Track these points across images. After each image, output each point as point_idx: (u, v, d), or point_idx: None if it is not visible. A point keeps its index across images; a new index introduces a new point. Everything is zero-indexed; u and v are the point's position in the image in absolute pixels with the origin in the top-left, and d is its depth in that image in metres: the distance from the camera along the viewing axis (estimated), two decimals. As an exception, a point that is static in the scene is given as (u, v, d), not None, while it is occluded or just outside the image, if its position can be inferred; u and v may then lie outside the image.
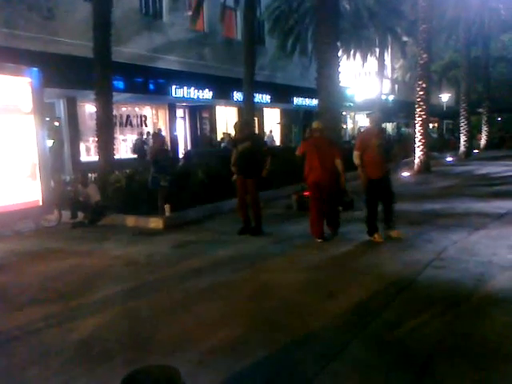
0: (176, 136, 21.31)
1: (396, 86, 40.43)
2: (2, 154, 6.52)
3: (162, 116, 21.47)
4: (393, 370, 3.34)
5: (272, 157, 7.69)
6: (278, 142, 27.35)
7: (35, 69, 7.06)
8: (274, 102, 25.32)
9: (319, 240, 7.09)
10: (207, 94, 21.06)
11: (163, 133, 18.67)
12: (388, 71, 37.79)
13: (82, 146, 17.69)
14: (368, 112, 35.33)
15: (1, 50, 11.89)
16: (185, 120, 23.06)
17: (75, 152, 16.91)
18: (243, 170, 7.55)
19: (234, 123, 8.24)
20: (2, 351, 3.86)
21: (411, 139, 18.70)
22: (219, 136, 23.39)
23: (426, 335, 3.84)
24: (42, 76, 7.13)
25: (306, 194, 9.86)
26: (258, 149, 7.54)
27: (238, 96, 21.50)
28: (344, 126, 33.31)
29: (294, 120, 29.11)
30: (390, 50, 34.22)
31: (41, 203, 7.05)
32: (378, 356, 3.52)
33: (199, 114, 23.42)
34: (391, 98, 34.87)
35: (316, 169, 7.14)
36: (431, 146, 18.94)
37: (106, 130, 11.81)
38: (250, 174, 7.53)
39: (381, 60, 27.12)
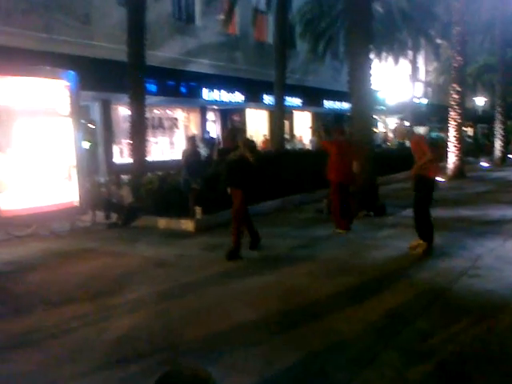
0: (211, 138, 21.36)
1: (429, 89, 39.76)
2: (41, 155, 6.70)
3: (194, 119, 21.67)
4: (426, 380, 3.29)
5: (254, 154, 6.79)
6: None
7: (72, 72, 7.22)
8: (305, 105, 25.26)
9: (344, 231, 7.89)
10: (238, 97, 21.17)
11: (213, 135, 18.80)
12: (421, 74, 37.21)
13: (116, 149, 18.00)
14: (400, 115, 34.90)
15: (39, 54, 12.23)
16: (216, 123, 23.21)
17: (109, 154, 17.24)
18: (230, 179, 6.82)
19: (224, 132, 7.92)
20: (39, 348, 3.96)
21: (444, 143, 18.37)
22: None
23: (460, 346, 3.76)
24: (78, 79, 7.30)
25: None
26: (247, 158, 6.72)
27: (268, 99, 21.54)
28: (375, 130, 32.93)
29: (324, 123, 28.94)
30: (423, 52, 33.68)
31: (76, 204, 7.20)
32: (411, 365, 3.47)
33: (230, 117, 23.55)
34: (424, 101, 34.31)
35: (341, 169, 7.95)
36: (465, 151, 18.55)
37: (139, 132, 11.99)
38: (236, 183, 6.74)
39: (414, 63, 26.78)
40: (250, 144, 6.90)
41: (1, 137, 6.21)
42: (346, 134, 8.84)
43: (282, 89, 16.85)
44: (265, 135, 24.34)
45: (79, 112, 7.48)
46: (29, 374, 3.52)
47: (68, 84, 7.07)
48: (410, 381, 3.28)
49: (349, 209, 8.27)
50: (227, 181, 6.89)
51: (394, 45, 23.80)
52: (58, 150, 6.95)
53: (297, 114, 27.24)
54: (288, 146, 23.44)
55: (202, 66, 19.41)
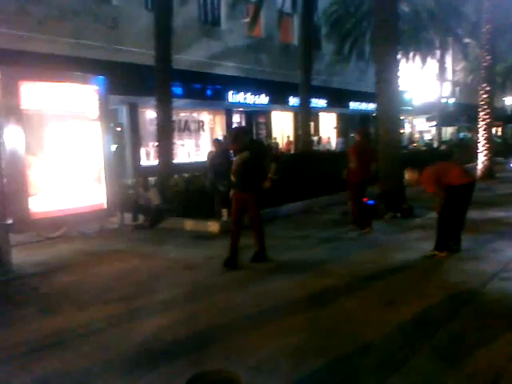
0: None
1: (457, 89, 39.11)
2: (71, 159, 6.84)
3: (219, 121, 21.81)
4: (458, 384, 3.23)
5: (277, 163, 6.68)
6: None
7: (101, 77, 7.36)
8: (330, 106, 25.16)
9: (367, 230, 8.04)
10: (263, 100, 21.23)
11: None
12: (449, 73, 36.62)
13: (143, 151, 18.24)
14: (427, 116, 34.41)
15: (69, 59, 12.49)
16: (241, 125, 23.30)
17: (136, 156, 17.48)
18: (241, 182, 6.41)
19: (229, 131, 7.42)
20: (67, 348, 4.03)
21: (473, 144, 18.03)
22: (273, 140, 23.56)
23: (493, 351, 3.68)
24: (107, 84, 7.43)
25: (364, 199, 9.75)
26: (259, 159, 6.45)
27: (294, 101, 21.54)
28: (402, 131, 32.56)
29: (350, 125, 28.77)
30: (450, 51, 33.16)
31: (105, 206, 7.32)
32: (442, 371, 3.41)
33: (255, 119, 23.62)
34: (452, 101, 33.76)
35: (357, 171, 8.09)
36: (495, 151, 18.16)
37: (165, 135, 12.13)
38: (248, 187, 6.35)
39: (441, 62, 26.38)
40: (272, 153, 6.85)
41: (33, 140, 6.37)
42: (366, 135, 8.88)
43: (308, 90, 16.82)
44: (288, 137, 24.45)
45: (108, 116, 7.60)
46: (59, 372, 3.59)
47: (97, 88, 7.20)
48: (440, 386, 3.23)
49: (367, 208, 8.48)
50: (237, 183, 6.45)
51: (421, 44, 23.48)
52: (88, 153, 7.09)
53: (322, 116, 27.15)
54: (316, 148, 23.62)
55: (227, 68, 19.53)
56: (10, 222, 6.26)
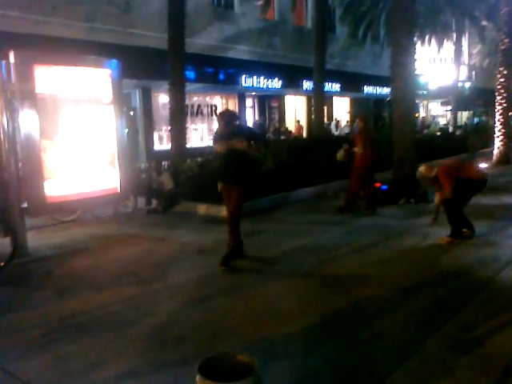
0: (260, 125, 21.22)
1: (473, 73, 38.48)
2: (86, 143, 6.86)
3: (232, 105, 21.73)
4: (471, 372, 3.22)
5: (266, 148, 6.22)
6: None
7: (115, 60, 7.33)
8: (344, 90, 24.92)
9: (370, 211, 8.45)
10: (276, 84, 21.07)
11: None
12: (465, 57, 36.01)
13: (155, 135, 18.28)
14: (442, 100, 33.95)
15: (82, 43, 12.48)
16: (254, 109, 23.20)
17: (149, 141, 17.52)
18: (225, 174, 5.86)
19: (218, 113, 6.42)
20: (83, 330, 4.09)
21: (489, 128, 17.77)
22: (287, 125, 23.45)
23: (505, 338, 3.66)
24: (120, 67, 7.41)
25: (378, 185, 9.69)
26: (245, 148, 5.68)
27: (307, 85, 21.37)
28: (417, 115, 32.20)
29: (363, 109, 28.51)
30: (467, 34, 32.55)
31: (119, 190, 7.35)
32: (455, 357, 3.41)
33: (268, 103, 23.49)
34: (468, 85, 33.25)
35: (369, 155, 8.32)
36: (511, 136, 17.89)
37: (178, 119, 12.12)
38: (234, 179, 5.77)
39: (458, 45, 25.92)
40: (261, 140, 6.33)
41: (47, 125, 6.38)
42: (368, 121, 9.20)
43: (321, 74, 16.66)
44: (298, 121, 24.20)
45: (121, 100, 7.59)
46: (75, 354, 3.65)
47: (111, 72, 7.19)
48: (453, 372, 3.22)
49: (369, 192, 8.72)
50: (222, 177, 5.91)
51: (437, 27, 23.07)
52: (102, 138, 7.10)
53: (336, 100, 26.93)
54: (335, 132, 23.46)
55: (240, 52, 19.40)
56: (25, 205, 6.33)
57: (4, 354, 3.70)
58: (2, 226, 6.14)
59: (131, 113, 17.08)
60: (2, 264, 5.76)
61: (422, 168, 6.65)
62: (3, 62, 6.11)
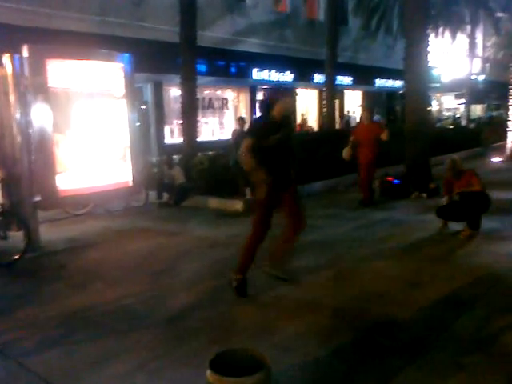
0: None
1: (487, 66, 37.96)
2: (98, 137, 6.89)
3: (243, 99, 21.68)
4: (485, 369, 3.19)
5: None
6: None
7: (127, 54, 7.33)
8: (356, 83, 24.74)
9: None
10: (288, 77, 20.99)
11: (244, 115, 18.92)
12: (479, 49, 35.52)
13: (167, 129, 18.30)
14: (456, 93, 33.57)
15: (94, 36, 12.51)
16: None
17: (160, 134, 17.55)
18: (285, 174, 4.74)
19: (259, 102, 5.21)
20: (96, 324, 4.12)
21: (503, 122, 17.55)
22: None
23: (520, 334, 3.63)
24: (132, 61, 7.41)
25: (390, 179, 9.64)
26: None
27: (319, 78, 21.25)
28: (429, 108, 31.90)
29: (375, 102, 28.30)
30: (481, 26, 32.09)
31: (131, 184, 7.38)
32: (468, 353, 3.37)
33: (279, 96, 23.36)
34: (482, 78, 32.82)
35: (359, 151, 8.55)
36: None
37: (190, 113, 12.12)
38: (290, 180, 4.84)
39: (472, 37, 25.59)
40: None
41: (60, 119, 6.41)
42: (369, 113, 9.51)
43: (333, 67, 16.57)
44: (303, 114, 23.89)
45: (133, 94, 7.60)
46: (85, 348, 3.68)
47: (123, 66, 7.19)
48: (466, 369, 3.20)
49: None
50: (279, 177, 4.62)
51: (451, 18, 22.77)
52: (114, 131, 7.12)
53: (347, 93, 26.73)
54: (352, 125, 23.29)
55: (251, 45, 19.31)
56: (37, 199, 6.37)
57: (18, 347, 3.73)
58: (15, 220, 6.20)
59: (143, 107, 17.11)
60: (15, 257, 5.83)
61: (457, 158, 6.65)
62: (17, 56, 6.14)
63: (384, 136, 8.39)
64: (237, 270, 4.60)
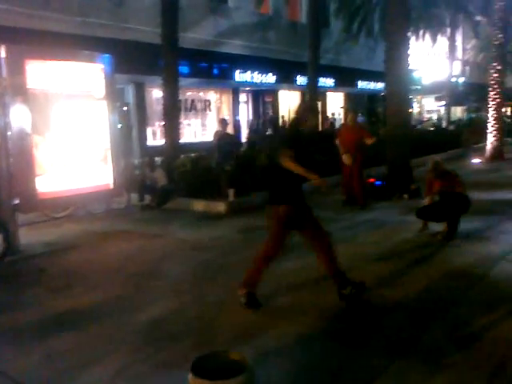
0: (239, 121, 21.52)
1: (467, 68, 38.54)
2: (78, 138, 6.80)
3: (226, 100, 21.67)
4: (465, 368, 3.22)
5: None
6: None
7: (107, 55, 7.25)
8: (338, 85, 24.90)
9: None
10: (270, 79, 21.02)
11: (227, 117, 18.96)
12: (459, 52, 36.05)
13: (149, 131, 18.19)
14: (436, 95, 34.00)
15: (75, 37, 12.38)
16: (248, 104, 23.14)
17: (142, 136, 17.44)
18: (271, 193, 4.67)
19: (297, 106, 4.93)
20: (76, 328, 4.05)
21: (482, 124, 17.83)
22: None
23: (499, 334, 3.66)
24: (113, 62, 7.34)
25: (372, 180, 9.71)
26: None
27: (301, 80, 21.32)
28: (410, 110, 32.24)
29: (357, 104, 28.50)
30: (461, 29, 32.58)
31: (112, 186, 7.30)
32: (449, 353, 3.41)
33: (262, 98, 23.43)
34: (461, 80, 33.29)
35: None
36: (505, 132, 17.95)
37: (172, 114, 12.07)
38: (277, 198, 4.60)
39: (451, 40, 25.95)
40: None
41: (39, 120, 6.31)
42: (355, 115, 9.52)
43: (316, 69, 16.64)
44: (283, 116, 23.89)
45: (114, 95, 7.53)
46: (65, 353, 3.61)
47: (103, 67, 7.12)
48: (447, 368, 3.22)
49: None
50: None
51: (431, 22, 23.05)
52: (94, 133, 7.04)
53: (330, 95, 26.88)
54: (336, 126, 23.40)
55: (234, 47, 19.31)
56: (17, 201, 6.27)
57: (-5, 352, 3.67)
58: (-7, 223, 6.09)
59: (125, 108, 16.98)
60: (-7, 261, 5.72)
61: (439, 159, 6.73)
62: (-6, 56, 6.04)
63: (369, 141, 8.45)
64: (243, 284, 4.36)
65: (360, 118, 25.41)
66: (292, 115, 5.01)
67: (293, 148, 4.27)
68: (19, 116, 6.09)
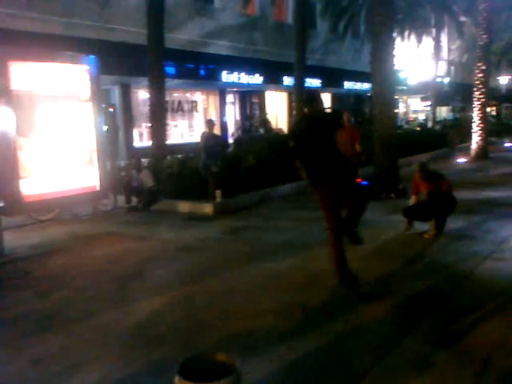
0: (226, 122, 21.47)
1: (452, 68, 38.91)
2: (63, 140, 6.74)
3: (213, 101, 21.62)
4: (451, 366, 3.25)
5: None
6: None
7: (92, 56, 7.20)
8: (325, 86, 24.94)
9: None
10: (257, 79, 21.01)
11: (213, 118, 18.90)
12: (444, 52, 36.37)
13: (135, 132, 18.09)
14: (422, 95, 34.26)
15: (60, 38, 12.27)
16: (235, 105, 23.12)
17: (129, 138, 17.33)
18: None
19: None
20: (62, 332, 4.02)
21: (467, 123, 18.01)
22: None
23: (485, 331, 3.70)
24: (98, 64, 7.29)
25: (359, 180, 9.73)
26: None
27: (288, 81, 21.33)
28: (396, 111, 32.46)
29: (344, 105, 28.61)
30: (446, 30, 32.88)
31: (98, 188, 7.25)
32: (435, 351, 3.43)
33: (249, 99, 23.42)
34: (447, 80, 33.60)
35: None
36: (490, 131, 18.15)
37: (158, 115, 12.01)
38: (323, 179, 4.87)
39: (437, 41, 26.17)
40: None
41: (23, 122, 6.24)
42: (350, 115, 9.44)
43: (302, 70, 16.64)
44: (266, 114, 23.87)
45: (100, 96, 7.47)
46: (51, 357, 3.58)
47: (88, 68, 7.06)
48: (433, 367, 3.24)
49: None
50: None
51: (416, 22, 23.23)
52: (80, 135, 6.98)
53: (316, 96, 26.89)
54: None
55: (221, 48, 19.27)
56: (1, 204, 6.19)
57: (-21, 357, 3.62)
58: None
59: (111, 109, 16.86)
60: (-23, 265, 5.65)
61: (425, 161, 6.80)
62: (-24, 57, 5.96)
63: (357, 148, 8.46)
64: (339, 277, 4.70)
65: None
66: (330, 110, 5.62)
67: None
68: (3, 118, 6.02)
